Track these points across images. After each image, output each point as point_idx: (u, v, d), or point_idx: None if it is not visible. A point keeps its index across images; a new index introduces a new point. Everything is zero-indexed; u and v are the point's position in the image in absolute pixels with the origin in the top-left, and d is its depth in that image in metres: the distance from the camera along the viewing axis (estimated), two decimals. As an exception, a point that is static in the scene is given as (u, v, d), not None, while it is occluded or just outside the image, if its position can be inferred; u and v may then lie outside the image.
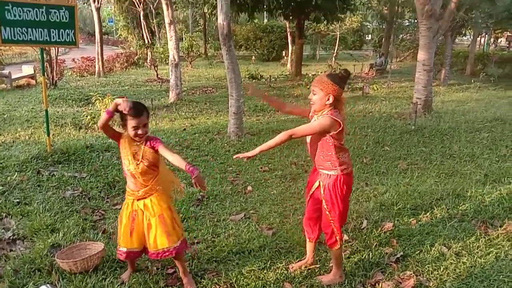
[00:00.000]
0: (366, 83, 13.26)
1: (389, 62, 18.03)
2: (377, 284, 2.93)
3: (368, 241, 3.49)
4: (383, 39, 21.07)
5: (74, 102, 10.15)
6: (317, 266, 3.13)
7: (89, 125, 7.60)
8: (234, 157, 2.94)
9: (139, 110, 2.61)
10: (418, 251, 3.36)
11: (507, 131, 7.22)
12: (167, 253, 2.74)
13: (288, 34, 19.32)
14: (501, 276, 3.05)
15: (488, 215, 4.02)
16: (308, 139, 2.86)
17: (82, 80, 14.79)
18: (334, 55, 21.03)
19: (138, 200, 2.76)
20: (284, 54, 24.27)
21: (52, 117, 8.07)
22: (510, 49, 24.49)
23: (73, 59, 16.98)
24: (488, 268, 3.17)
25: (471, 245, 3.48)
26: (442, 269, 3.14)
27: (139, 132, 2.63)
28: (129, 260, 2.93)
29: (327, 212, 2.82)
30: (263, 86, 14.17)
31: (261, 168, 5.51)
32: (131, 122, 2.60)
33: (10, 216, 3.91)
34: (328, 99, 2.67)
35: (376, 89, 12.68)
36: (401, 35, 21.48)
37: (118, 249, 2.85)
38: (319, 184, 2.85)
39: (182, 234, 2.85)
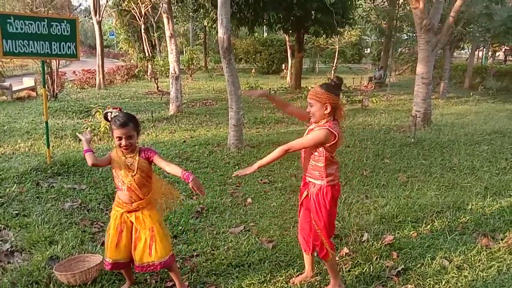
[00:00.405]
0: (365, 96, 13.31)
1: (388, 75, 18.13)
2: (378, 297, 2.90)
3: (368, 254, 3.46)
4: (382, 52, 21.22)
5: (74, 114, 10.17)
6: (318, 278, 3.10)
7: (89, 137, 7.60)
8: (233, 175, 2.94)
9: (123, 121, 2.62)
10: (419, 264, 3.33)
11: (507, 144, 7.23)
12: (152, 267, 2.73)
13: (288, 47, 19.48)
14: (503, 290, 3.02)
15: (489, 228, 4.00)
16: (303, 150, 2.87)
17: (82, 92, 14.85)
18: (333, 68, 21.15)
19: (129, 212, 2.74)
20: (283, 67, 24.43)
21: (52, 129, 8.08)
22: (506, 63, 24.60)
23: (74, 72, 17.07)
24: (490, 282, 3.14)
25: (472, 258, 3.45)
26: (443, 282, 3.11)
27: (123, 143, 2.64)
28: (118, 270, 2.91)
29: (313, 222, 2.82)
30: (263, 98, 14.22)
31: (261, 180, 5.50)
32: (115, 133, 2.63)
33: (8, 228, 3.88)
34: (326, 109, 2.69)
35: (375, 102, 12.74)
36: (399, 49, 21.62)
37: (104, 260, 2.84)
38: (307, 194, 2.87)
39: (170, 250, 2.82)
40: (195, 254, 3.52)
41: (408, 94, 14.20)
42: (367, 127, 9.01)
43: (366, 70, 23.95)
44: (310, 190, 2.84)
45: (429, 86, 8.67)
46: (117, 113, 2.65)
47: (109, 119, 2.67)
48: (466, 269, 3.29)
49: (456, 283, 3.11)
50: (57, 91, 12.44)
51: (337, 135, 2.67)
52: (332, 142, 2.68)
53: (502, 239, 3.78)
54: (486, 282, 3.14)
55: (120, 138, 2.63)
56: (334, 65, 21.94)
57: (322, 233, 2.82)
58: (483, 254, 3.52)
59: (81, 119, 9.54)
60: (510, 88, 17.35)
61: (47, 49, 5.34)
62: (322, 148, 2.72)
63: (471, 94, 14.60)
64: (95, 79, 16.74)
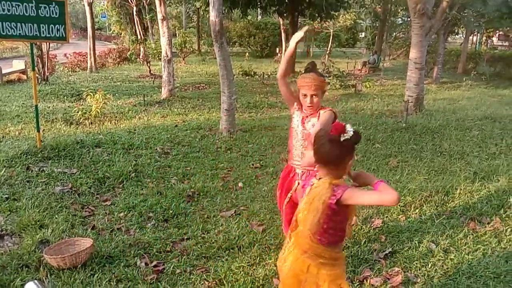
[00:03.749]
0: (359, 81, 13.30)
1: (382, 60, 18.10)
2: (365, 280, 2.95)
3: (357, 238, 3.51)
4: (376, 37, 21.14)
5: (65, 97, 10.07)
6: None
7: (80, 121, 7.55)
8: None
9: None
10: (407, 248, 3.39)
11: (497, 129, 7.28)
12: None
13: (282, 31, 19.32)
14: (488, 272, 3.08)
15: (476, 212, 4.06)
16: (306, 139, 2.77)
17: (74, 75, 14.68)
18: (328, 52, 21.04)
19: None
20: (277, 51, 24.27)
21: (42, 113, 8.00)
22: (496, 49, 24.57)
23: (65, 54, 16.85)
24: (475, 264, 3.20)
25: (459, 242, 3.51)
26: (430, 265, 3.17)
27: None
28: None
29: None
30: (256, 83, 14.16)
31: (253, 164, 5.51)
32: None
33: (-2, 212, 3.88)
34: (323, 95, 2.71)
35: (368, 86, 12.73)
36: (394, 33, 21.56)
37: None
38: (298, 184, 2.82)
39: None
40: (185, 237, 3.54)
41: (401, 79, 14.20)
42: (359, 112, 9.03)
43: (360, 55, 23.85)
44: (306, 179, 2.80)
45: (422, 71, 8.67)
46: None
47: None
48: (453, 252, 3.35)
49: (442, 266, 3.17)
50: (48, 74, 12.29)
51: (336, 116, 2.73)
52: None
53: (488, 223, 3.85)
54: (471, 264, 3.20)
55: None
56: (329, 49, 21.84)
57: None
58: (469, 237, 3.58)
59: (72, 102, 9.45)
60: (503, 74, 17.41)
61: (36, 31, 5.25)
62: None
63: (464, 79, 14.62)
64: (87, 62, 16.54)
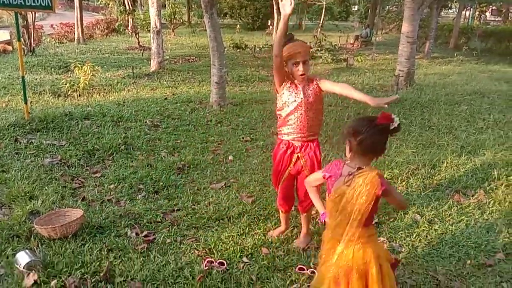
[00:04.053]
0: (351, 55, 13.24)
1: (374, 33, 17.95)
2: (351, 249, 3.03)
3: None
4: (369, 10, 20.90)
5: (52, 69, 9.89)
6: (294, 232, 3.21)
7: (68, 93, 7.45)
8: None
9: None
10: (392, 219, 3.47)
11: (485, 104, 7.35)
12: None
13: (274, 2, 18.97)
14: (469, 242, 3.19)
15: (461, 185, 4.15)
16: (308, 108, 2.73)
17: (61, 47, 14.36)
18: (320, 25, 20.79)
19: None
20: (269, 23, 23.91)
21: (30, 85, 7.87)
22: (489, 25, 24.45)
23: (52, 25, 16.45)
24: (458, 234, 3.30)
25: (443, 213, 3.60)
26: (414, 235, 3.26)
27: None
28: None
29: None
30: (248, 56, 14.02)
31: (243, 138, 5.53)
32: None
33: (-13, 183, 3.87)
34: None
35: (360, 60, 12.69)
36: (387, 7, 21.32)
37: None
38: (298, 158, 2.84)
39: None
40: (175, 208, 3.58)
41: (393, 53, 14.14)
42: (350, 85, 9.01)
43: (353, 28, 23.64)
44: (305, 151, 2.81)
45: (414, 45, 8.63)
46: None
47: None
48: (437, 223, 3.45)
49: (426, 236, 3.26)
50: (34, 45, 12.01)
51: None
52: None
53: (472, 196, 3.94)
54: (454, 235, 3.30)
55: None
56: (321, 22, 21.57)
57: None
58: (453, 209, 3.67)
59: (60, 74, 9.29)
60: (494, 49, 17.42)
61: (20, -1, 5.10)
62: (322, 99, 2.80)
63: (455, 54, 14.63)
64: (74, 33, 16.16)
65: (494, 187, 4.09)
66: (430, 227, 3.38)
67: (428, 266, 2.92)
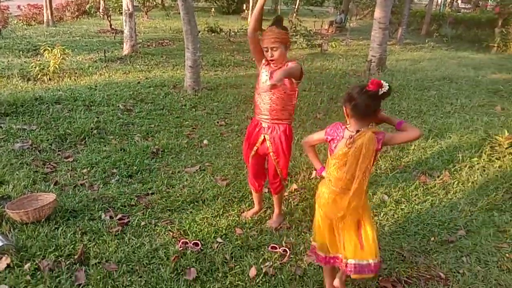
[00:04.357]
0: (325, 40, 13.31)
1: (349, 19, 18.08)
2: (321, 228, 3.14)
3: (315, 190, 3.67)
4: (344, -4, 20.94)
5: (21, 52, 9.55)
6: (267, 213, 3.30)
7: (38, 77, 7.25)
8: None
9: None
10: (362, 199, 3.60)
11: (453, 89, 7.60)
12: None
13: (249, -14, 18.77)
14: (434, 220, 3.36)
15: (428, 167, 4.33)
16: (271, 92, 2.79)
17: (29, 29, 13.83)
18: (295, 10, 20.75)
19: None
20: (244, 7, 23.68)
21: (-4, 68, 7.63)
22: (459, 12, 24.95)
23: (19, 6, 15.79)
24: (424, 213, 3.47)
25: (410, 194, 3.77)
26: (382, 214, 3.41)
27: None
28: None
29: (276, 163, 2.94)
30: (223, 40, 13.90)
31: (218, 122, 5.55)
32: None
33: (-46, 169, 3.78)
34: (288, 48, 2.74)
35: (334, 46, 12.79)
36: (361, -8, 21.43)
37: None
38: (264, 138, 2.92)
39: None
40: (150, 192, 3.61)
41: (367, 39, 14.26)
42: (324, 71, 9.12)
43: (328, 14, 23.71)
44: (271, 134, 2.89)
45: (386, 31, 8.78)
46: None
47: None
48: (403, 203, 3.61)
49: (393, 215, 3.41)
50: (1, 26, 11.57)
51: (303, 71, 2.75)
52: (300, 79, 2.78)
53: (438, 177, 4.12)
54: (420, 214, 3.46)
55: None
56: (296, 7, 21.52)
57: (283, 172, 2.97)
58: (419, 189, 3.84)
59: (28, 58, 8.99)
60: (464, 36, 17.83)
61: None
62: (296, 85, 2.80)
63: (427, 41, 14.92)
64: (43, 15, 15.58)
65: (459, 169, 4.29)
66: (397, 207, 3.54)
67: (394, 243, 3.07)
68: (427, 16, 18.86)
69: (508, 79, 8.72)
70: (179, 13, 6.72)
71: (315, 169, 2.54)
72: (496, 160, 4.43)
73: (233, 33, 14.66)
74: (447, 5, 27.07)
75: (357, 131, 2.16)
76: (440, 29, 18.30)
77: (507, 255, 2.97)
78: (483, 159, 4.45)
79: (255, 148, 2.98)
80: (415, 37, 17.18)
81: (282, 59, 2.76)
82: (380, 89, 2.07)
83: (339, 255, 2.32)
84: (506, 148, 4.45)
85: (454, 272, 2.78)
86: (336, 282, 2.39)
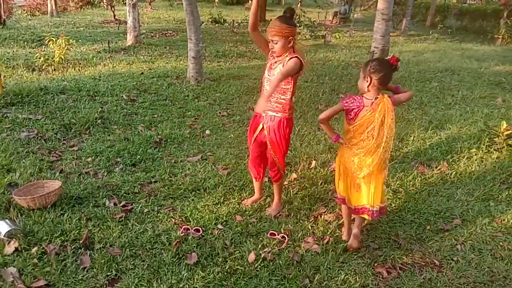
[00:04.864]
0: (329, 32, 13.30)
1: (353, 10, 18.00)
2: (319, 216, 3.23)
3: (315, 180, 3.77)
4: (349, -14, 20.81)
5: (25, 43, 9.64)
6: (267, 201, 3.38)
7: (43, 67, 7.34)
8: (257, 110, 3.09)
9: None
10: (360, 188, 3.67)
11: (455, 81, 7.61)
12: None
13: (253, -24, 18.65)
14: (430, 209, 3.43)
15: (426, 157, 4.39)
16: (268, 81, 2.90)
17: (33, 19, 13.92)
18: (299, 1, 20.67)
19: None
20: (248, -2, 23.60)
21: (2, 58, 7.71)
22: (465, 3, 24.75)
23: (23, -4, 15.85)
24: (420, 203, 3.53)
25: (407, 184, 3.83)
26: (379, 203, 3.46)
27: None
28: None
29: (272, 153, 3.01)
30: (226, 31, 13.92)
31: (220, 113, 5.62)
32: None
33: (-38, 157, 3.88)
34: (290, 42, 2.77)
35: (338, 37, 12.79)
36: (366, -17, 21.31)
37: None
38: (263, 127, 3.01)
39: None
40: (153, 180, 3.69)
41: (371, 31, 14.16)
42: (327, 62, 9.15)
43: (332, 4, 23.61)
44: (268, 124, 2.97)
45: (389, 23, 8.77)
46: None
47: None
48: (401, 192, 3.67)
49: (391, 204, 3.48)
50: (5, 17, 11.62)
51: (303, 63, 2.77)
52: (300, 72, 2.81)
53: (436, 167, 4.18)
54: (417, 203, 3.53)
55: None
56: (300, -3, 21.42)
57: (280, 161, 3.04)
58: (417, 179, 3.90)
59: (33, 48, 9.08)
60: (469, 28, 17.75)
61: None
62: (291, 80, 2.82)
63: (431, 32, 14.86)
64: (47, 6, 15.63)
65: (457, 159, 4.34)
66: (395, 196, 3.60)
67: (390, 231, 3.14)
68: (432, 8, 18.76)
69: (511, 71, 8.72)
70: (182, 4, 6.76)
71: (331, 138, 2.85)
72: (494, 151, 4.48)
73: (236, 24, 14.67)
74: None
75: (376, 97, 2.60)
76: (445, 20, 18.21)
77: (501, 243, 3.04)
78: (482, 150, 4.50)
79: (256, 132, 3.09)
80: (419, 29, 17.10)
81: (282, 52, 2.81)
82: (398, 64, 2.63)
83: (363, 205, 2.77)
84: (504, 140, 4.50)
85: (448, 260, 2.85)
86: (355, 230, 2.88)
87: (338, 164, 2.89)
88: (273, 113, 2.94)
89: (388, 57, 2.68)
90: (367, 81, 2.60)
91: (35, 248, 2.64)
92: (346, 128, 2.73)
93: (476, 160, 4.32)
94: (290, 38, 2.76)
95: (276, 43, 2.77)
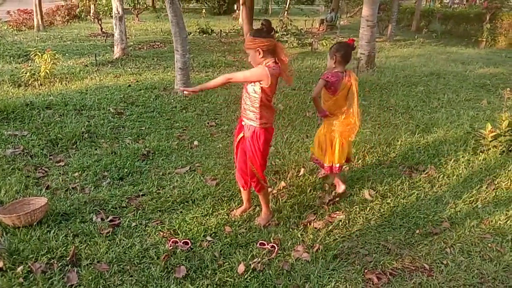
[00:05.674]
0: (316, 39, 13.40)
1: (339, 17, 18.18)
2: (309, 224, 3.22)
3: (303, 187, 3.76)
4: (334, -6, 21.03)
5: (12, 58, 9.57)
6: (256, 210, 3.37)
7: (29, 82, 7.28)
8: (180, 89, 3.21)
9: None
10: (349, 194, 3.68)
11: (440, 85, 7.71)
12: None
13: (239, -13, 18.81)
14: (419, 213, 3.44)
15: (414, 161, 4.42)
16: (245, 89, 2.97)
17: (19, 34, 13.82)
18: (286, 9, 20.85)
19: None
20: (235, 8, 23.74)
21: (-13, 74, 7.64)
22: (449, 7, 25.13)
23: (8, 12, 15.77)
24: (409, 207, 3.55)
25: (396, 188, 3.85)
26: (368, 209, 3.48)
27: None
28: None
29: (249, 162, 3.02)
30: (214, 41, 13.96)
31: (208, 123, 5.61)
32: None
33: None
34: (259, 54, 2.82)
35: (325, 44, 12.88)
36: (351, -10, 21.56)
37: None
38: (243, 136, 3.04)
39: None
40: (141, 193, 3.66)
41: (357, 37, 14.37)
42: (314, 70, 9.20)
43: (318, 12, 23.84)
44: (246, 133, 3.00)
45: (374, 29, 8.86)
46: None
47: None
48: (389, 197, 3.69)
49: (379, 209, 3.49)
50: (-10, 33, 11.54)
51: (270, 78, 2.78)
52: (267, 86, 2.82)
53: (424, 171, 4.21)
54: (405, 207, 3.54)
55: None
56: (287, 6, 21.63)
57: (258, 171, 3.04)
58: (405, 184, 3.92)
59: (19, 63, 9.01)
60: (453, 32, 17.99)
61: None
62: (259, 89, 2.85)
63: (416, 37, 15.05)
64: (33, 20, 15.56)
65: (444, 162, 4.38)
66: (383, 201, 3.62)
67: (380, 236, 3.15)
68: (416, 12, 19.01)
69: (495, 73, 8.85)
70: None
71: (319, 113, 3.62)
72: (480, 153, 4.53)
73: (224, 34, 14.73)
74: (436, 0, 27.24)
75: (344, 70, 3.43)
76: (430, 25, 18.47)
77: (489, 245, 3.06)
78: (468, 153, 4.55)
79: (235, 144, 3.15)
80: (405, 34, 17.31)
81: (256, 63, 2.89)
82: (354, 44, 3.47)
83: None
84: (490, 141, 4.55)
85: (438, 263, 2.87)
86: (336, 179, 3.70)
87: (323, 134, 3.64)
88: (249, 122, 2.97)
89: (346, 40, 3.54)
90: (333, 59, 3.40)
91: (21, 267, 2.60)
92: (329, 103, 3.52)
93: (463, 162, 4.36)
94: (257, 49, 2.83)
95: (249, 55, 2.90)
